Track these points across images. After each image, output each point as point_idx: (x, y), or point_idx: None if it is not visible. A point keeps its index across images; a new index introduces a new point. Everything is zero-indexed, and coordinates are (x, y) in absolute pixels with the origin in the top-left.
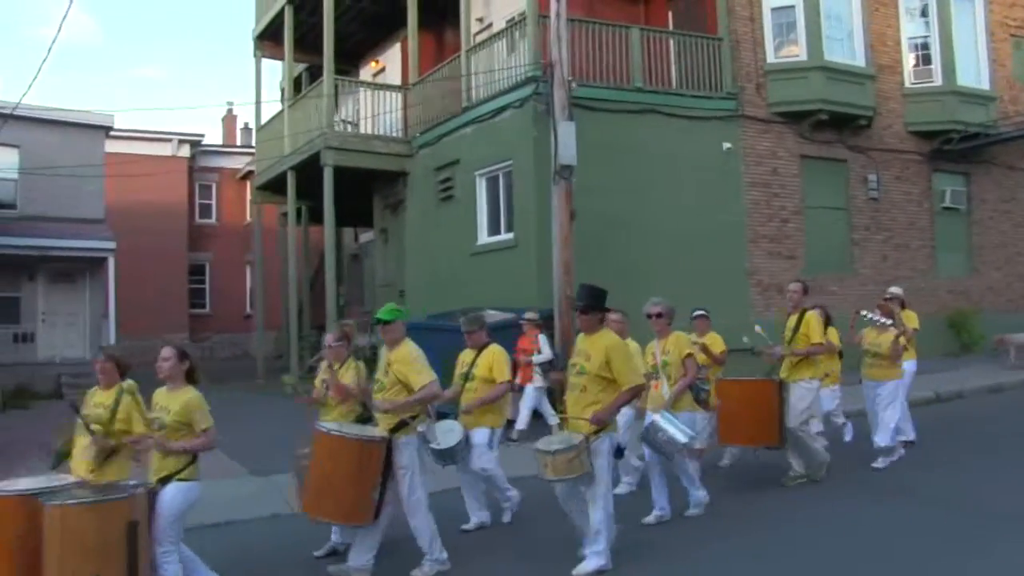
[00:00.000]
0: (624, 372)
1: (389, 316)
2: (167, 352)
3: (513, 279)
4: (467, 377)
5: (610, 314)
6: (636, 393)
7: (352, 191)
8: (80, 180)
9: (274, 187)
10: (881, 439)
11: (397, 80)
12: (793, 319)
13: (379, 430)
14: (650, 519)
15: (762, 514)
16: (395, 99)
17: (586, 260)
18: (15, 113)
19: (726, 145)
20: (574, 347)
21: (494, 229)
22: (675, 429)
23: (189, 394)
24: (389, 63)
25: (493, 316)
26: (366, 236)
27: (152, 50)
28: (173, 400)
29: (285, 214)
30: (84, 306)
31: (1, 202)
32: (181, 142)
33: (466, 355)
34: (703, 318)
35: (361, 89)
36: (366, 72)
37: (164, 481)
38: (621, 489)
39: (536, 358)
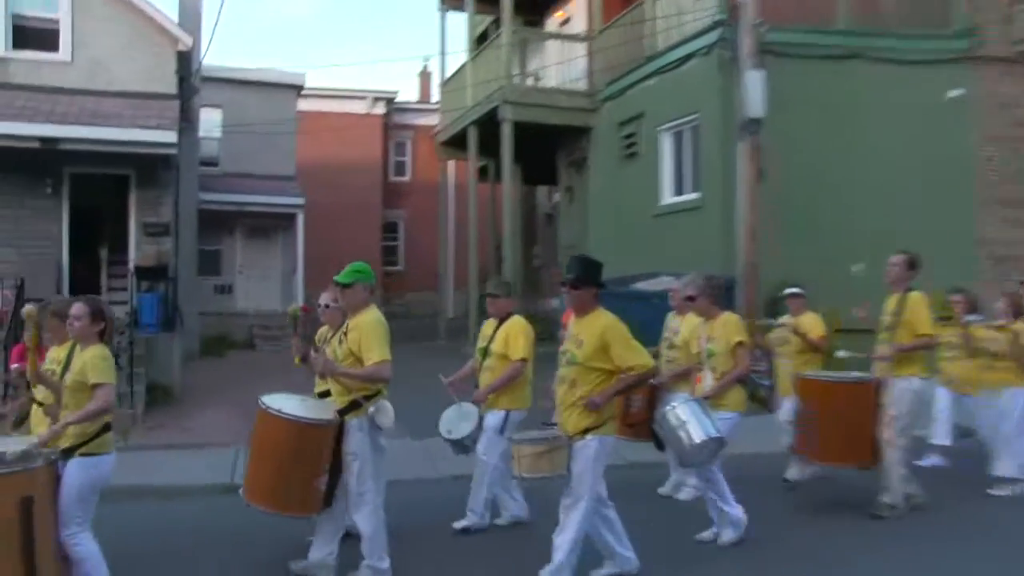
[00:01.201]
0: (626, 356)
1: (347, 279)
2: (78, 310)
3: (697, 244)
4: (485, 353)
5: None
6: (644, 378)
7: (538, 147)
8: (274, 138)
9: (457, 143)
10: (1004, 467)
11: (582, 31)
12: (893, 301)
13: (330, 411)
14: (706, 535)
15: (819, 549)
16: (579, 51)
17: (779, 224)
18: (217, 76)
19: (955, 92)
20: (567, 332)
21: (678, 188)
22: (696, 423)
23: (92, 351)
24: (574, 13)
25: (672, 283)
26: (558, 196)
27: (340, 5)
28: (78, 359)
29: (481, 170)
30: (276, 260)
31: (206, 159)
32: (376, 100)
33: (487, 326)
34: (796, 297)
35: (545, 41)
36: (552, 23)
37: (68, 453)
38: (686, 494)
39: None
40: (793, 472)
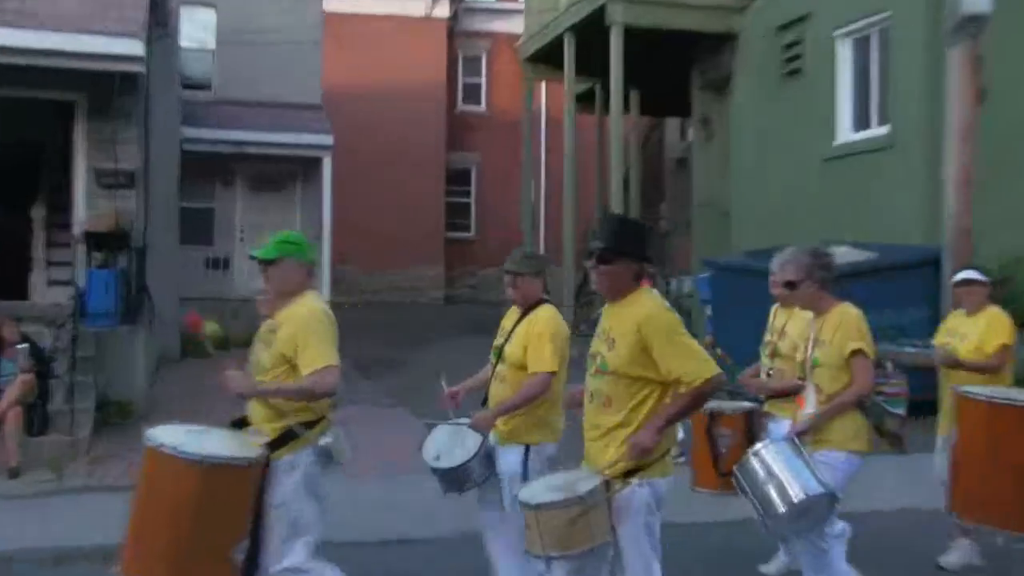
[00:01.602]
0: (671, 361)
1: (271, 253)
2: None
3: (887, 198)
4: (499, 356)
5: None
6: (701, 396)
7: (662, 63)
8: (290, 51)
9: (550, 57)
10: None
11: None
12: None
13: (253, 445)
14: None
15: None
16: None
17: (1006, 170)
18: None
19: None
20: (598, 326)
21: (860, 120)
22: (792, 474)
23: None
24: None
25: (847, 256)
26: (692, 132)
27: None
28: None
29: (583, 96)
30: (294, 223)
31: (194, 81)
32: None
33: (508, 318)
34: (973, 285)
35: None
36: None
37: None
38: (771, 569)
39: None
40: (954, 557)
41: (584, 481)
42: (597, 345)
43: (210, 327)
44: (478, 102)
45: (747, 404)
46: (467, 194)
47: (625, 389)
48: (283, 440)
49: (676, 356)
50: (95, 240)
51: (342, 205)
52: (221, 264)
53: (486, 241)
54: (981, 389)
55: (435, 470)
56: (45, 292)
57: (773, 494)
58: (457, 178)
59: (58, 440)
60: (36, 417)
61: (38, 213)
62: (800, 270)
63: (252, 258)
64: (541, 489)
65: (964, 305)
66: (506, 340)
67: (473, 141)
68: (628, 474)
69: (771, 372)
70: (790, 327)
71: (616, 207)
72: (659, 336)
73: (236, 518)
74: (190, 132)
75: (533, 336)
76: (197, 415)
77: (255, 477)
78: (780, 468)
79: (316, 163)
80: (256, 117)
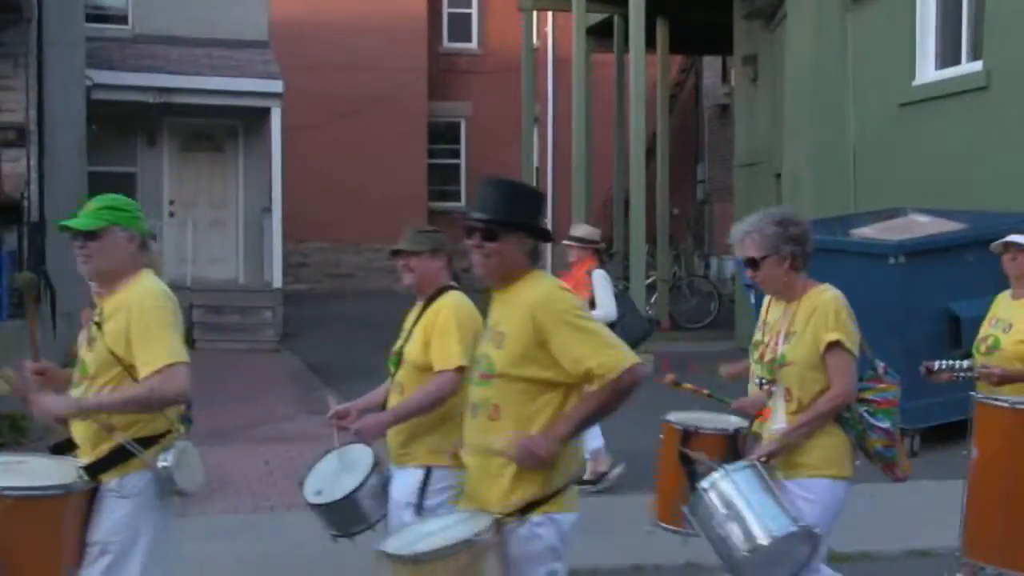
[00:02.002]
0: (577, 349)
1: (92, 222)
2: None
3: (981, 152)
4: (398, 362)
5: None
6: (620, 394)
7: None
8: None
9: None
10: None
11: None
12: None
13: (71, 470)
14: None
15: None
16: None
17: None
18: None
19: None
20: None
21: (948, 55)
22: (755, 510)
23: None
24: None
25: (929, 226)
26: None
27: None
28: None
29: (599, 29)
30: (235, 191)
31: (105, 12)
32: None
33: (412, 312)
34: (1019, 252)
35: None
36: None
37: None
38: None
39: None
40: None
41: (467, 523)
42: (484, 345)
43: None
44: (468, 38)
45: (733, 421)
46: (455, 154)
47: (517, 396)
48: (111, 461)
49: (583, 343)
50: None
51: (297, 168)
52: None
53: None
54: (1008, 396)
55: (315, 507)
56: None
57: (733, 536)
58: (443, 134)
59: None
60: None
61: None
62: (764, 243)
63: (63, 230)
64: (413, 537)
65: (1011, 282)
66: (407, 338)
67: (462, 88)
68: (525, 509)
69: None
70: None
71: (637, 169)
72: (558, 322)
73: (50, 562)
74: (101, 77)
75: (436, 329)
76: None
77: (75, 510)
78: (741, 503)
79: (262, 115)
80: (185, 58)
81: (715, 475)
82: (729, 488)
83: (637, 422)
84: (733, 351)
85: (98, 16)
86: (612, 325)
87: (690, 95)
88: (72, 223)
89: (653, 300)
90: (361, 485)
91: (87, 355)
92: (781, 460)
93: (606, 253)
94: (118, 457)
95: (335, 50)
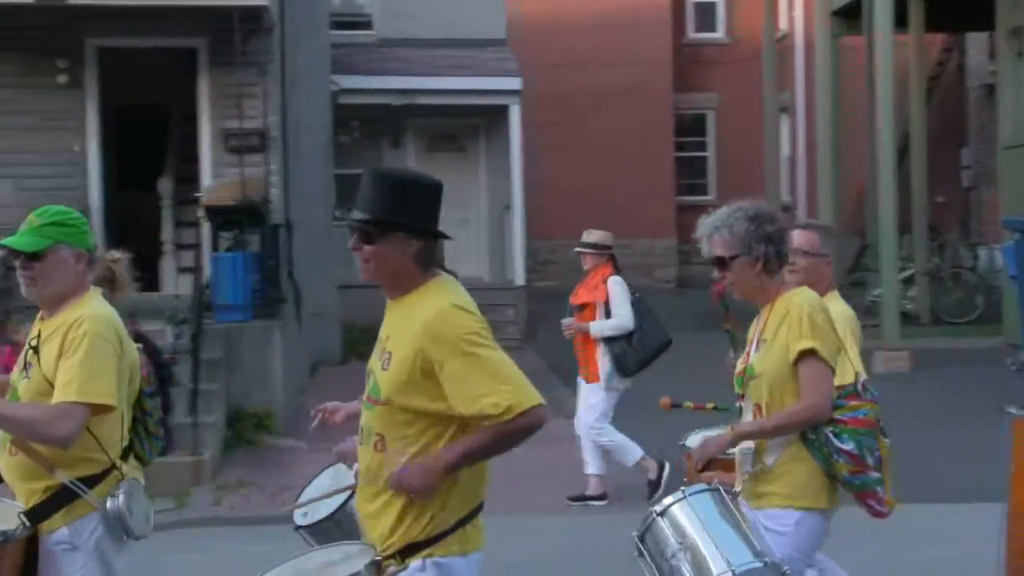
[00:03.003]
0: (468, 386)
1: (33, 241)
2: None
3: None
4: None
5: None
6: (513, 436)
7: None
8: None
9: None
10: None
11: None
12: None
13: (14, 513)
14: None
15: None
16: None
17: None
18: None
19: None
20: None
21: None
22: (713, 542)
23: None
24: None
25: None
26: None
27: None
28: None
29: (848, 11)
30: (479, 189)
31: (348, 18)
32: None
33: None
34: None
35: None
36: None
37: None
38: None
39: (597, 327)
40: None
41: (348, 562)
42: (372, 358)
43: None
44: (714, 28)
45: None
46: (703, 146)
47: (402, 427)
48: (54, 505)
49: (477, 378)
50: (222, 217)
51: (542, 165)
52: None
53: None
54: None
55: (301, 530)
56: (176, 281)
57: (685, 570)
58: (689, 127)
59: (179, 461)
60: None
61: (165, 187)
62: (734, 241)
63: (2, 248)
64: (292, 573)
65: None
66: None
67: (709, 79)
68: (406, 551)
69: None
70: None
71: (886, 157)
72: (449, 350)
73: None
74: (347, 81)
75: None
76: (351, 433)
77: (12, 563)
78: (698, 532)
79: (503, 113)
80: (426, 59)
81: (668, 499)
82: (684, 515)
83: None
84: (1000, 348)
85: (343, 22)
86: (629, 335)
87: (953, 75)
88: (12, 242)
89: (910, 294)
90: (340, 508)
91: (20, 382)
92: (749, 489)
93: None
94: (61, 500)
95: (576, 45)
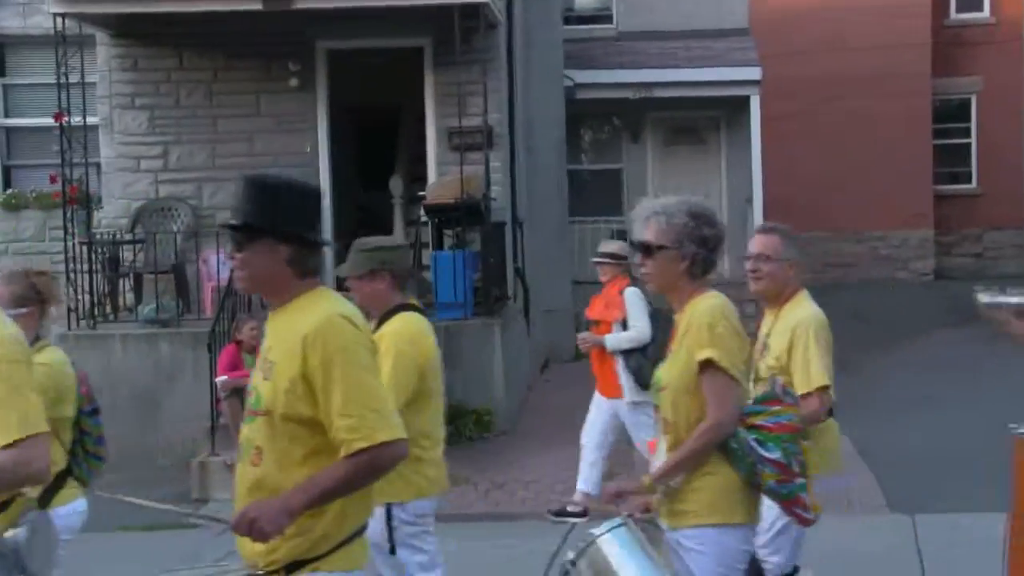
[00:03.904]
0: (336, 403)
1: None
2: None
3: None
4: None
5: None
6: (365, 472)
7: None
8: None
9: None
10: None
11: None
12: None
13: None
14: None
15: None
16: None
17: None
18: None
19: None
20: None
21: None
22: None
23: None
24: None
25: None
26: None
27: None
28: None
29: None
30: (719, 183)
31: (591, 14)
32: None
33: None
34: None
35: None
36: None
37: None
38: None
39: (613, 340)
40: None
41: None
42: (254, 374)
43: None
44: (979, 7)
45: None
46: (965, 133)
47: (282, 439)
48: None
49: (345, 395)
50: (442, 215)
51: (786, 156)
52: (628, 239)
53: (994, 194)
54: None
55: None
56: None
57: None
58: (950, 112)
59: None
60: None
61: (396, 187)
62: (669, 232)
63: None
64: None
65: None
66: None
67: (972, 61)
68: (292, 567)
69: None
70: (776, 338)
71: None
72: (327, 360)
73: None
74: (582, 77)
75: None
76: (569, 431)
77: None
78: (615, 569)
79: (743, 105)
80: (664, 51)
81: (571, 554)
82: (600, 554)
83: None
84: None
85: (580, 17)
86: (645, 347)
87: None
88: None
89: None
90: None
91: None
92: (664, 508)
93: None
94: None
95: (823, 31)
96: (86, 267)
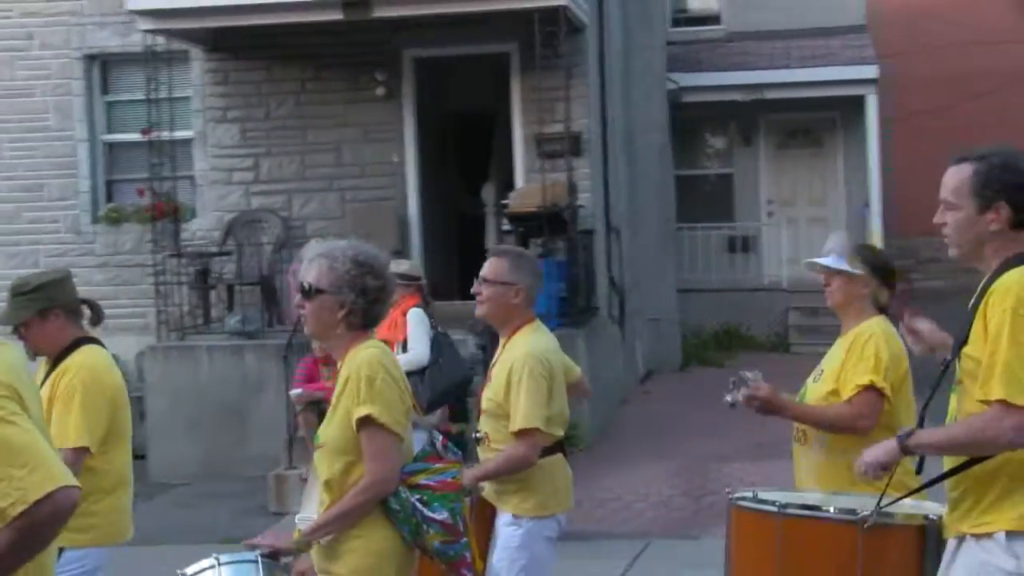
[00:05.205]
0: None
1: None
2: None
3: None
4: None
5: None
6: (28, 535)
7: None
8: None
9: None
10: None
11: None
12: None
13: None
14: None
15: None
16: None
17: None
18: None
19: None
20: None
21: None
22: None
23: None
24: None
25: None
26: None
27: None
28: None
29: None
30: (836, 187)
31: (698, 15)
32: None
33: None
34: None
35: None
36: None
37: None
38: None
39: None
40: None
41: None
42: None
43: None
44: None
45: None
46: None
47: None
48: None
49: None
50: (526, 224)
51: (912, 157)
52: (739, 245)
53: None
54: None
55: None
56: None
57: None
58: None
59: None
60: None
61: (488, 195)
62: (330, 276)
63: None
64: None
65: None
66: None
67: None
68: None
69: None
70: (498, 369)
71: None
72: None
73: None
74: (688, 80)
75: (59, 398)
76: (659, 446)
77: None
78: None
79: (858, 103)
80: (776, 51)
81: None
82: None
83: None
84: None
85: (689, 20)
86: (423, 370)
87: None
88: None
89: None
90: None
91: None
92: (317, 565)
93: None
94: None
95: (950, 26)
96: (175, 279)
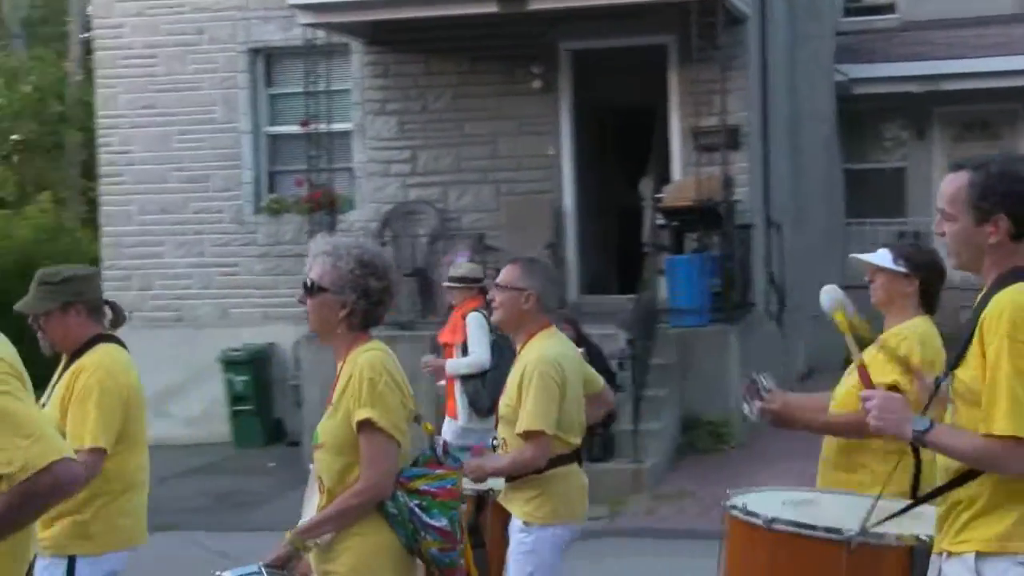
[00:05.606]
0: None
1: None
2: None
3: None
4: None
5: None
6: (31, 499)
7: None
8: None
9: None
10: None
11: None
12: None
13: None
14: None
15: None
16: None
17: None
18: None
19: None
20: None
21: None
22: None
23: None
24: None
25: None
26: None
27: None
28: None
29: None
30: None
31: (872, 2)
32: None
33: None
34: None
35: None
36: None
37: None
38: None
39: (453, 365)
40: None
41: None
42: None
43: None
44: None
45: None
46: None
47: None
48: None
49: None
50: (681, 218)
51: None
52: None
53: None
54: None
55: None
56: (657, 284)
57: None
58: None
59: (619, 469)
60: (596, 439)
61: (646, 189)
62: (332, 275)
63: None
64: None
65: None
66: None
67: None
68: None
69: None
70: (513, 375)
71: None
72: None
73: None
74: (858, 71)
75: (74, 397)
76: (815, 446)
77: None
78: None
79: None
80: (953, 41)
81: None
82: None
83: None
84: None
85: (860, 9)
86: (485, 373)
87: None
88: None
89: None
90: None
91: None
92: (316, 568)
93: None
94: None
95: None
96: None
